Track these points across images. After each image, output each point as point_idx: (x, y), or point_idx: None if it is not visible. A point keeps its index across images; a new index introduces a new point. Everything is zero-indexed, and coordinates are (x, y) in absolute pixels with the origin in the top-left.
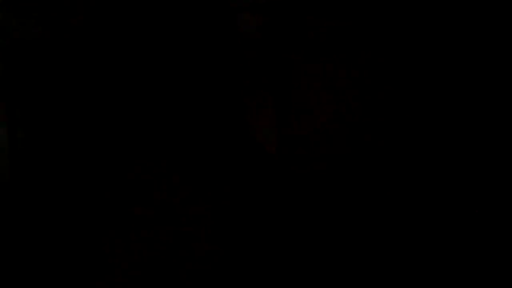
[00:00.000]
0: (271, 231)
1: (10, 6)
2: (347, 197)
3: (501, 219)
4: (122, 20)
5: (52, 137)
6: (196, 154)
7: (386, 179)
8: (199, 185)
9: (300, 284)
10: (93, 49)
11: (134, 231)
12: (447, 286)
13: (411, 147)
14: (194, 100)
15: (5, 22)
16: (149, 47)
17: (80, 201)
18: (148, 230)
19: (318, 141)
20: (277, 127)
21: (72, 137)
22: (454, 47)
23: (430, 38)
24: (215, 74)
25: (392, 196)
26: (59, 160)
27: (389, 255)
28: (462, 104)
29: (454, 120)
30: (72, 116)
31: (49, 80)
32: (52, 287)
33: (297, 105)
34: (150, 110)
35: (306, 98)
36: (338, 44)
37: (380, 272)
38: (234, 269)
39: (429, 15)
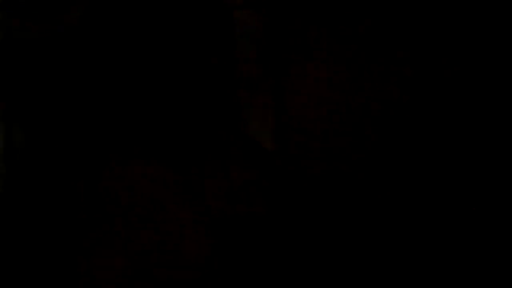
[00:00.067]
0: (267, 231)
1: (9, 5)
2: (344, 195)
3: (499, 218)
4: (118, 19)
5: (48, 134)
6: (190, 153)
7: (383, 177)
8: (191, 184)
9: (293, 285)
10: (89, 47)
11: (122, 231)
12: (447, 286)
13: (409, 146)
14: (190, 98)
15: (5, 21)
16: (144, 45)
17: (69, 201)
18: (137, 229)
19: (316, 140)
20: (275, 124)
21: (66, 135)
22: (454, 47)
23: (429, 37)
24: (212, 72)
25: (390, 194)
26: (54, 158)
27: (388, 254)
28: (461, 104)
29: (454, 120)
30: (67, 114)
31: (45, 79)
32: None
33: (294, 103)
34: (145, 108)
35: (302, 97)
36: (337, 44)
37: (379, 272)
38: (224, 270)
39: (428, 15)
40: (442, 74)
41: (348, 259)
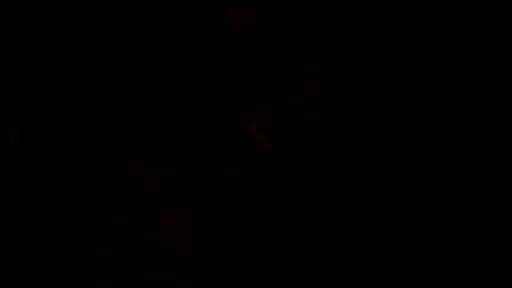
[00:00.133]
0: (266, 231)
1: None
2: (343, 196)
3: (500, 219)
4: (115, 18)
5: (45, 134)
6: (189, 153)
7: (383, 177)
8: (190, 184)
9: (293, 285)
10: (86, 46)
11: (122, 231)
12: (447, 286)
13: (409, 145)
14: (186, 97)
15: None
16: (140, 43)
17: (67, 200)
18: (137, 229)
19: (315, 140)
20: (274, 124)
21: (63, 134)
22: (454, 47)
23: (428, 37)
24: (208, 71)
25: (389, 194)
26: (51, 158)
27: (388, 255)
28: (461, 104)
29: (454, 120)
30: (65, 113)
31: (42, 78)
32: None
33: (293, 103)
34: (142, 108)
35: (301, 97)
36: (337, 44)
37: (379, 272)
38: (223, 270)
39: (428, 15)
40: (442, 74)
41: (348, 260)
